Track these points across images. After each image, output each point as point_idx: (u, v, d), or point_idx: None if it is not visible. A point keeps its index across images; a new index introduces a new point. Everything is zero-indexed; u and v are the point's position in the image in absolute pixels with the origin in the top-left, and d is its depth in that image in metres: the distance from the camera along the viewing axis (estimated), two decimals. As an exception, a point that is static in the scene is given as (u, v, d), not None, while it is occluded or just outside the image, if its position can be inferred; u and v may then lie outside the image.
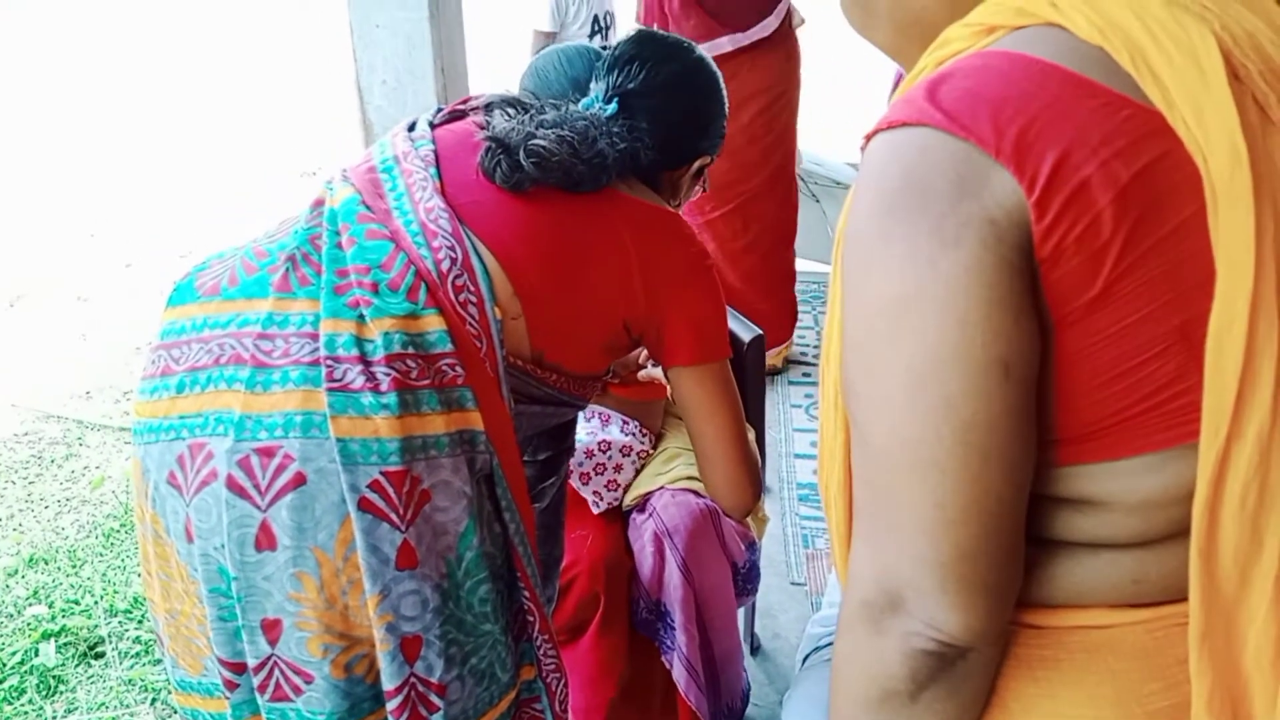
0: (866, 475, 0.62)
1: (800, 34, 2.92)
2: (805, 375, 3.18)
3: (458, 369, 0.95)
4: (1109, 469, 0.59)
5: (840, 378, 0.64)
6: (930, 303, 0.56)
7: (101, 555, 2.37)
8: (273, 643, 0.93)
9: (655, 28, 1.22)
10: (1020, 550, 0.60)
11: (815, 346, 3.36)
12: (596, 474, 1.62)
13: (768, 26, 2.80)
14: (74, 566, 2.32)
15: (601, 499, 1.62)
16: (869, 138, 0.62)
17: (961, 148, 0.55)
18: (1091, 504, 0.60)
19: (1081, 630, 0.63)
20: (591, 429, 1.68)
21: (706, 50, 2.72)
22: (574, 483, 1.61)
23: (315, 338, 0.93)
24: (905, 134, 0.58)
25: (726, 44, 2.77)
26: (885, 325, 0.58)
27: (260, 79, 7.22)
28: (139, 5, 9.26)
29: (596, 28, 3.00)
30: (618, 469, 1.65)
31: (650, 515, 1.57)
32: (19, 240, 4.41)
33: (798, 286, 3.76)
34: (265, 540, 0.90)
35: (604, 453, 1.63)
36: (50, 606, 2.17)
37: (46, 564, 2.33)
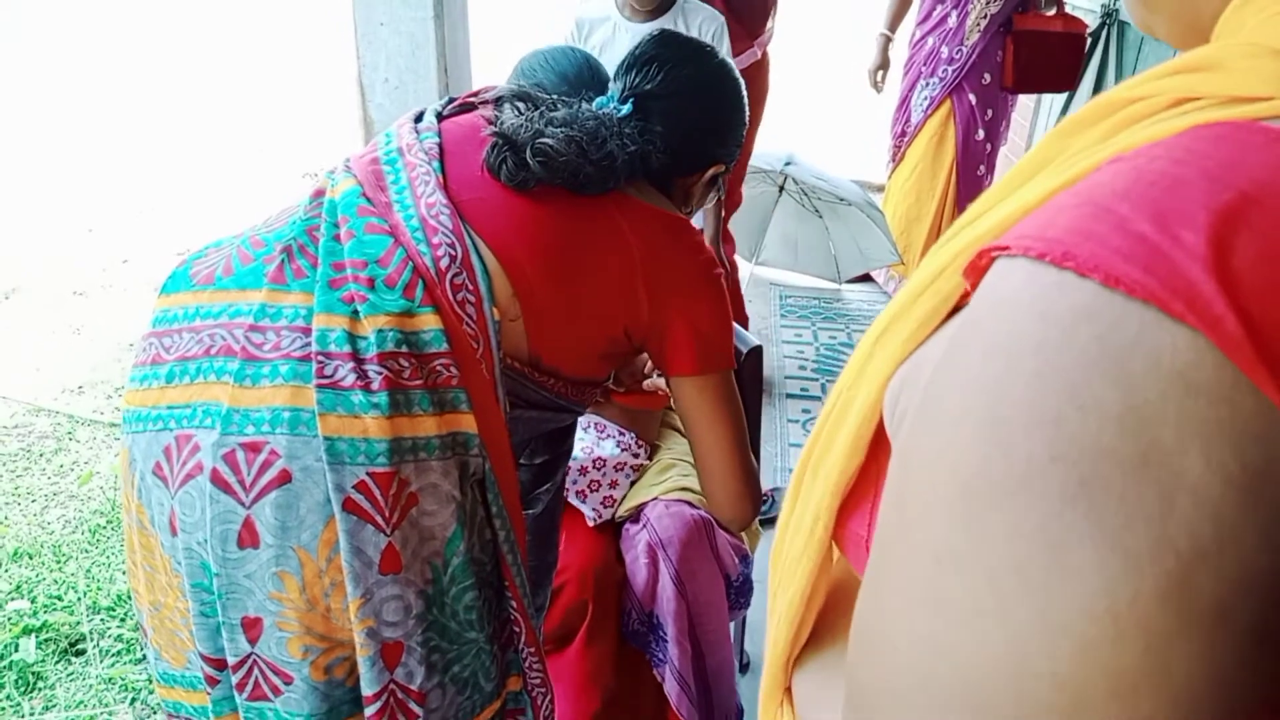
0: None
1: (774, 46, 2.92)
2: (803, 390, 3.16)
3: (452, 369, 0.93)
4: None
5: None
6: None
7: (86, 551, 2.34)
8: (253, 641, 0.90)
9: None
10: None
11: (814, 361, 3.33)
12: (592, 491, 1.60)
13: (771, 31, 2.82)
14: (58, 562, 2.29)
15: (599, 515, 1.60)
16: (1008, 251, 0.32)
17: (1246, 392, 0.26)
18: None
19: None
20: (587, 445, 1.66)
21: (744, 60, 2.74)
22: (572, 499, 1.59)
23: (307, 332, 0.91)
24: (1127, 313, 0.28)
25: (757, 51, 2.78)
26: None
27: (262, 76, 7.22)
28: (141, 2, 9.27)
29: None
30: (613, 485, 1.63)
31: (644, 526, 1.55)
32: (17, 233, 4.38)
33: (795, 300, 3.76)
34: (248, 537, 0.88)
35: (598, 469, 1.61)
36: (32, 602, 2.13)
37: (31, 559, 2.30)
